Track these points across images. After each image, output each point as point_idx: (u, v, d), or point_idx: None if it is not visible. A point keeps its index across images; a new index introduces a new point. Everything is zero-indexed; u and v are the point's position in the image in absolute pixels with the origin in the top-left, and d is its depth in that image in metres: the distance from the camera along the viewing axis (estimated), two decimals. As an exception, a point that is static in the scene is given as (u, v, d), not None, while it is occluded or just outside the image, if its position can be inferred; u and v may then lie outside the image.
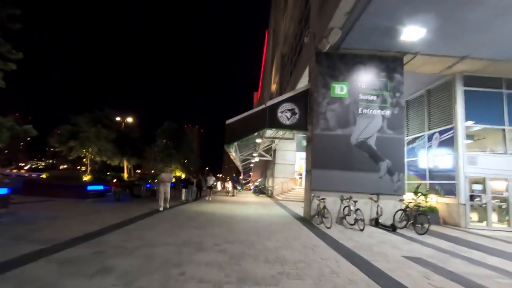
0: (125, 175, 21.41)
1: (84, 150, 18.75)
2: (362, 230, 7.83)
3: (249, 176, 53.45)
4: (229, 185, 23.39)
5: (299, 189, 21.80)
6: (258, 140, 15.44)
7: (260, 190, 24.88)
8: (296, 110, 10.28)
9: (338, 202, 9.29)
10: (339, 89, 9.87)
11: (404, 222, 8.73)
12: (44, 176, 14.12)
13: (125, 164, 22.61)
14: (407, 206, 8.89)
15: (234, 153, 15.84)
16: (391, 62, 10.02)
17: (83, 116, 18.63)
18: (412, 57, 9.96)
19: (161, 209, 9.70)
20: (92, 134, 18.05)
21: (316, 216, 9.15)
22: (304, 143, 24.11)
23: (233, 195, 22.41)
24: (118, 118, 23.13)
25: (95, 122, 18.92)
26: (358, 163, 9.47)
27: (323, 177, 9.44)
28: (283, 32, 24.30)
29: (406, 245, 6.30)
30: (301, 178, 23.56)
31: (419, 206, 9.60)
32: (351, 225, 8.73)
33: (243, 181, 41.03)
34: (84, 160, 20.17)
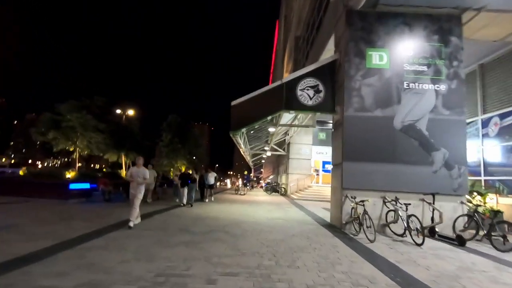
0: (123, 172, 19.61)
1: (70, 143, 16.77)
2: (420, 244, 5.61)
3: (260, 173, 51.42)
4: (239, 182, 21.32)
5: (317, 186, 19.57)
6: (271, 129, 13.25)
7: (273, 188, 22.74)
8: (321, 87, 8.07)
9: (379, 205, 7.09)
10: (378, 57, 7.61)
11: (472, 232, 6.44)
12: (21, 173, 12.42)
13: (123, 159, 20.77)
14: (475, 210, 6.58)
15: (243, 145, 13.69)
16: (445, 22, 7.66)
17: (67, 103, 16.60)
18: (473, 15, 7.58)
19: (131, 224, 6.02)
20: (77, 123, 16.01)
21: (351, 223, 6.98)
22: (322, 135, 21.82)
23: (244, 193, 20.38)
24: (118, 111, 21.34)
25: (81, 110, 16.80)
26: (404, 154, 7.22)
27: (358, 172, 7.24)
28: (296, 13, 22.01)
29: (506, 274, 4.06)
30: (318, 174, 21.32)
31: (476, 207, 7.30)
32: (399, 235, 6.54)
33: (254, 178, 38.97)
34: (73, 153, 18.04)
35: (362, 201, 6.34)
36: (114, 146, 18.91)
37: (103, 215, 7.64)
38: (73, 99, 16.94)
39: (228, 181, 33.32)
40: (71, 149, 17.36)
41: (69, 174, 12.53)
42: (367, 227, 6.00)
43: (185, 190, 10.63)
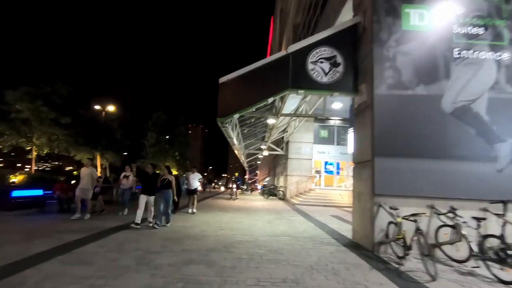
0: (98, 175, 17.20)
1: (23, 140, 14.17)
2: (510, 283, 3.60)
3: (256, 175, 49.37)
4: (233, 185, 19.07)
5: (320, 189, 17.56)
6: (271, 121, 11.18)
7: (270, 191, 20.65)
8: (339, 59, 6.06)
9: (425, 218, 5.08)
10: (417, 16, 5.64)
11: None
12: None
13: (98, 160, 18.30)
14: None
15: (236, 140, 11.54)
16: (505, -30, 5.74)
17: (17, 90, 13.57)
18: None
19: None
20: (31, 115, 13.48)
21: (388, 245, 4.96)
22: (324, 133, 19.81)
23: (236, 197, 18.23)
24: (97, 107, 18.99)
25: (35, 99, 13.86)
26: (457, 146, 5.25)
27: (394, 173, 5.23)
28: (294, 1, 20.11)
29: None
30: (320, 176, 19.32)
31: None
32: (458, 261, 4.54)
33: (249, 181, 36.83)
34: (30, 152, 15.23)
35: (414, 215, 4.31)
36: (85, 144, 16.47)
37: (36, 235, 5.45)
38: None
39: (220, 183, 31.16)
40: (28, 148, 14.82)
41: (15, 178, 10.24)
42: (425, 255, 3.96)
43: (149, 200, 6.66)
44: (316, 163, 19.62)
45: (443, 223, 4.83)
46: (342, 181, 18.63)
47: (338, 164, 19.61)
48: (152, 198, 6.75)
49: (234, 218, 8.91)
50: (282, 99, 8.09)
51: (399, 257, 4.56)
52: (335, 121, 19.49)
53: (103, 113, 19.04)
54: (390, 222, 4.91)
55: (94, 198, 8.07)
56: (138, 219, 6.41)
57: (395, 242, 4.70)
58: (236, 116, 6.17)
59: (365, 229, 5.52)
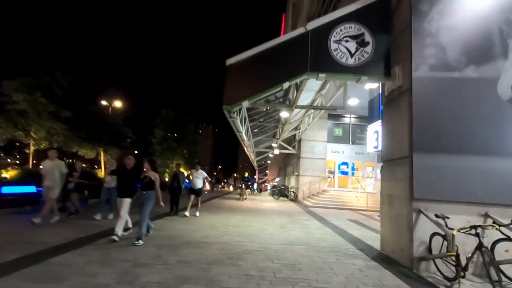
0: (102, 172, 16.61)
1: (20, 133, 13.64)
2: None
3: (265, 174, 48.50)
4: (243, 185, 18.16)
5: (334, 191, 16.54)
6: (284, 114, 10.25)
7: (281, 192, 19.72)
8: (367, 37, 5.13)
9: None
10: (466, -17, 4.66)
11: None
12: None
13: (102, 156, 17.74)
14: None
15: (245, 135, 10.63)
16: None
17: (15, 80, 12.80)
18: None
19: None
20: (28, 107, 12.97)
21: (430, 261, 4.01)
22: (338, 131, 18.76)
23: (245, 197, 17.38)
24: (104, 102, 18.51)
25: (34, 90, 13.06)
26: (519, 141, 4.24)
27: (438, 172, 4.27)
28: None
29: None
30: (333, 176, 18.27)
31: None
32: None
33: (259, 181, 35.95)
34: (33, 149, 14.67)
35: (475, 227, 3.36)
36: (87, 140, 15.93)
37: (14, 239, 4.76)
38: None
39: (229, 182, 30.39)
40: (27, 142, 14.31)
41: (6, 173, 9.66)
42: (495, 282, 3.01)
43: (124, 204, 4.89)
44: (329, 162, 18.62)
45: (505, 237, 3.84)
46: (358, 182, 17.54)
47: (353, 164, 18.56)
48: (127, 200, 4.94)
49: (242, 221, 8.07)
50: (298, 88, 7.20)
51: (447, 279, 3.63)
52: (350, 119, 18.48)
53: (110, 108, 18.61)
54: (435, 234, 3.96)
55: (66, 197, 7.23)
56: (118, 230, 4.79)
57: (444, 260, 3.75)
58: (246, 104, 5.31)
59: (399, 240, 4.57)
